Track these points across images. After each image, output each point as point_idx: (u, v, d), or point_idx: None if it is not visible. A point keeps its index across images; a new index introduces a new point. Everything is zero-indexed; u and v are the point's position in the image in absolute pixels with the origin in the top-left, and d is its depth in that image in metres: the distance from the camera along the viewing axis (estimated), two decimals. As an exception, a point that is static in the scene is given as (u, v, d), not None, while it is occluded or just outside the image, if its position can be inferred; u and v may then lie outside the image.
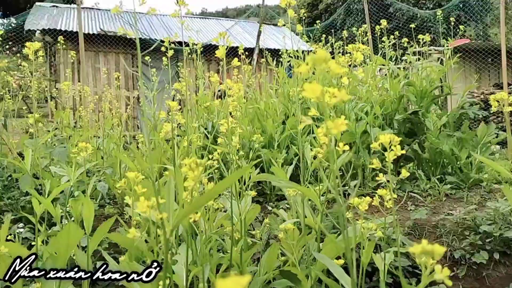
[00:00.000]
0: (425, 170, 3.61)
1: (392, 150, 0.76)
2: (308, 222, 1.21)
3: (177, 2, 1.32)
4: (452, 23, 4.68)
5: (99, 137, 3.83)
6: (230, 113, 2.05)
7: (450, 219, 2.56)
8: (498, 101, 1.15)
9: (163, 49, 1.72)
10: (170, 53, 1.53)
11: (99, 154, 3.33)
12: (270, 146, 3.39)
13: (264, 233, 1.67)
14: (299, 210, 1.18)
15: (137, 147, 3.63)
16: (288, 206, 2.43)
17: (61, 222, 1.37)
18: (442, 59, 4.36)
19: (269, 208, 2.77)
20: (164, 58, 2.31)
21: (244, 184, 1.31)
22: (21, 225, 2.04)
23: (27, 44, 1.35)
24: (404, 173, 0.87)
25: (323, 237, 2.21)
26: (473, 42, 9.89)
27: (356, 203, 0.98)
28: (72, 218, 1.56)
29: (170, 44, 1.57)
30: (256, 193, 3.09)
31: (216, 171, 2.28)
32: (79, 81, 8.94)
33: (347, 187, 2.47)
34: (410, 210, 2.79)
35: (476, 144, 3.46)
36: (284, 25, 2.27)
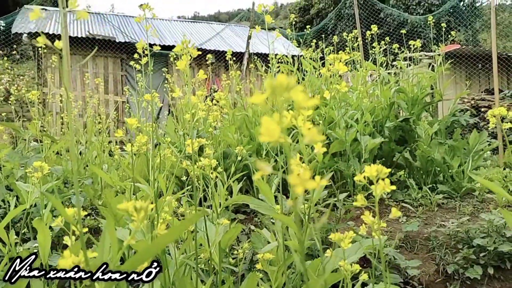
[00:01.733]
0: (416, 179, 3.54)
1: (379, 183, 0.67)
2: (289, 244, 1.11)
3: (141, 6, 1.22)
4: (448, 29, 4.65)
5: (81, 144, 3.71)
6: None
7: (442, 231, 2.48)
8: (494, 115, 1.07)
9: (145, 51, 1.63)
10: (144, 60, 1.43)
11: (81, 162, 3.21)
12: (258, 154, 3.29)
13: (248, 251, 1.58)
14: (278, 238, 1.09)
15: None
16: (273, 221, 2.33)
17: (16, 245, 1.26)
18: (433, 65, 4.31)
19: (256, 220, 2.67)
20: (151, 62, 2.22)
21: (220, 206, 1.22)
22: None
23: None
24: (395, 213, 0.77)
25: (312, 252, 2.11)
26: (463, 47, 9.91)
27: (338, 239, 0.89)
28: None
29: (149, 49, 1.47)
30: (243, 203, 2.99)
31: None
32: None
33: (335, 199, 2.37)
34: (402, 221, 2.70)
35: (468, 152, 3.39)
36: (275, 28, 2.19)
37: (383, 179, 0.68)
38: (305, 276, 0.51)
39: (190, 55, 1.12)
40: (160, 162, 1.25)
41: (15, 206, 1.42)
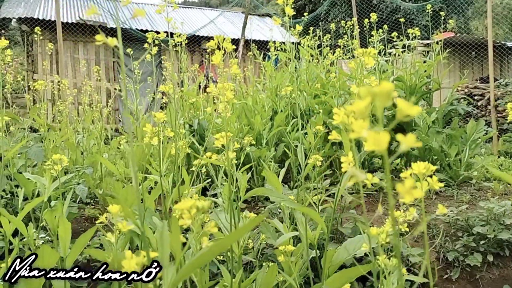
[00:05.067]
0: (414, 167, 3.57)
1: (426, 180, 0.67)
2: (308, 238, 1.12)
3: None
4: (441, 17, 4.64)
5: (78, 133, 3.67)
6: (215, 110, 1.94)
7: (442, 219, 2.52)
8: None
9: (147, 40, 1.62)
10: (154, 50, 1.41)
11: (78, 151, 3.18)
12: (258, 143, 3.29)
13: (257, 242, 1.59)
14: (300, 230, 1.09)
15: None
16: (280, 210, 2.35)
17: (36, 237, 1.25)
18: (430, 53, 4.31)
19: (259, 209, 2.68)
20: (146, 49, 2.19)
21: (240, 198, 1.22)
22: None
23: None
24: (442, 210, 0.79)
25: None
26: (457, 35, 9.92)
27: (375, 234, 0.90)
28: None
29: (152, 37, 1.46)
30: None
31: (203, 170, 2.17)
32: (57, 72, 8.65)
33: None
34: (401, 209, 2.74)
35: (465, 141, 3.43)
36: (270, 15, 2.17)
37: (430, 176, 0.69)
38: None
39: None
40: (175, 153, 1.25)
41: (25, 198, 1.40)
